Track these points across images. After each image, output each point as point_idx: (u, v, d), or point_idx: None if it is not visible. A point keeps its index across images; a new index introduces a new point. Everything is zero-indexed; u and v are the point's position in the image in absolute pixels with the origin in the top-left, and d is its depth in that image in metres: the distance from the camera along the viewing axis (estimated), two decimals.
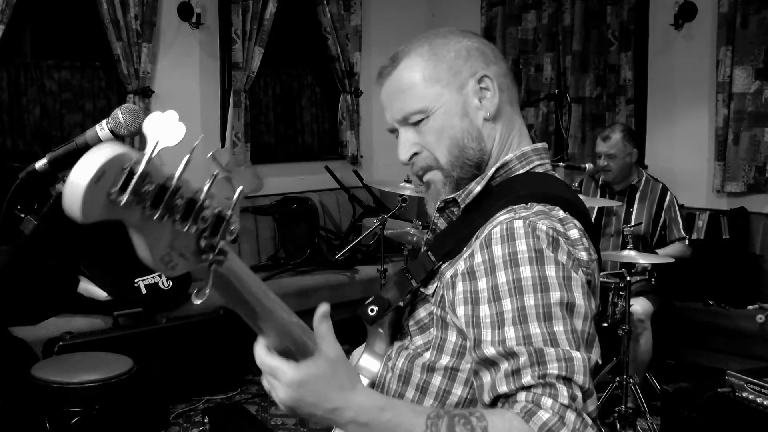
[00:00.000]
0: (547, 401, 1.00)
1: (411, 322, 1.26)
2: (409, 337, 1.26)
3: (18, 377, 3.24)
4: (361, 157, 6.15)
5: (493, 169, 1.26)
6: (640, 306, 3.85)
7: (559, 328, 1.05)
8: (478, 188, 1.25)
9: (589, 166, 4.12)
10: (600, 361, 1.11)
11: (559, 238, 1.12)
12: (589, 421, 1.01)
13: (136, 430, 3.43)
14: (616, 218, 4.23)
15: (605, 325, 3.55)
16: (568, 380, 1.01)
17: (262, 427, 3.68)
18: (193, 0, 5.12)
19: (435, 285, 1.22)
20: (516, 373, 1.03)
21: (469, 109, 1.26)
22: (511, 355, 1.04)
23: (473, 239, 1.18)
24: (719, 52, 4.82)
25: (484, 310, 1.10)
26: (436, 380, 1.20)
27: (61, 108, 4.92)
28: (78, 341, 3.62)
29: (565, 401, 1.00)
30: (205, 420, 3.50)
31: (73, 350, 3.54)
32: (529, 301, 1.07)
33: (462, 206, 1.26)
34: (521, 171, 1.27)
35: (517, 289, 1.08)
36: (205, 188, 0.77)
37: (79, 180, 0.67)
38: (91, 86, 5.03)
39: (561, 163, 4.24)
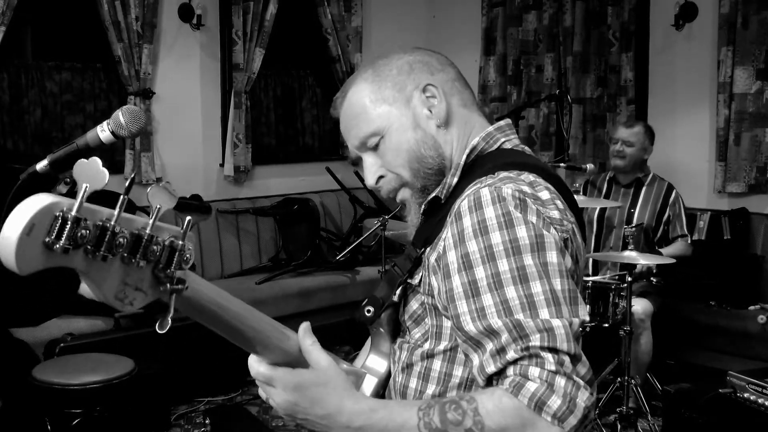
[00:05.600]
0: (534, 371, 1.00)
1: (406, 317, 1.28)
2: (408, 332, 1.27)
3: (19, 379, 3.24)
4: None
5: (464, 156, 1.28)
6: (640, 306, 3.85)
7: (537, 289, 1.05)
8: (456, 180, 1.27)
9: (590, 166, 4.11)
10: (587, 318, 1.09)
11: (527, 199, 1.12)
12: (582, 383, 1.01)
13: None
14: (620, 209, 4.26)
15: (606, 325, 3.55)
16: (552, 349, 1.01)
17: (263, 428, 3.68)
18: (193, 1, 5.12)
19: (420, 274, 1.24)
20: (501, 351, 1.04)
21: (420, 120, 1.28)
22: (492, 333, 1.05)
23: (448, 218, 1.19)
24: (720, 52, 4.82)
25: (456, 281, 1.11)
26: (437, 365, 1.21)
27: (62, 109, 4.92)
28: (79, 342, 3.62)
29: (552, 367, 1.00)
30: (206, 421, 3.51)
31: (74, 351, 3.55)
32: (503, 266, 1.07)
33: (443, 200, 1.27)
34: (489, 150, 1.29)
35: (489, 256, 1.08)
36: (150, 222, 0.78)
37: (9, 234, 0.68)
38: (91, 88, 5.04)
39: (562, 164, 4.24)
